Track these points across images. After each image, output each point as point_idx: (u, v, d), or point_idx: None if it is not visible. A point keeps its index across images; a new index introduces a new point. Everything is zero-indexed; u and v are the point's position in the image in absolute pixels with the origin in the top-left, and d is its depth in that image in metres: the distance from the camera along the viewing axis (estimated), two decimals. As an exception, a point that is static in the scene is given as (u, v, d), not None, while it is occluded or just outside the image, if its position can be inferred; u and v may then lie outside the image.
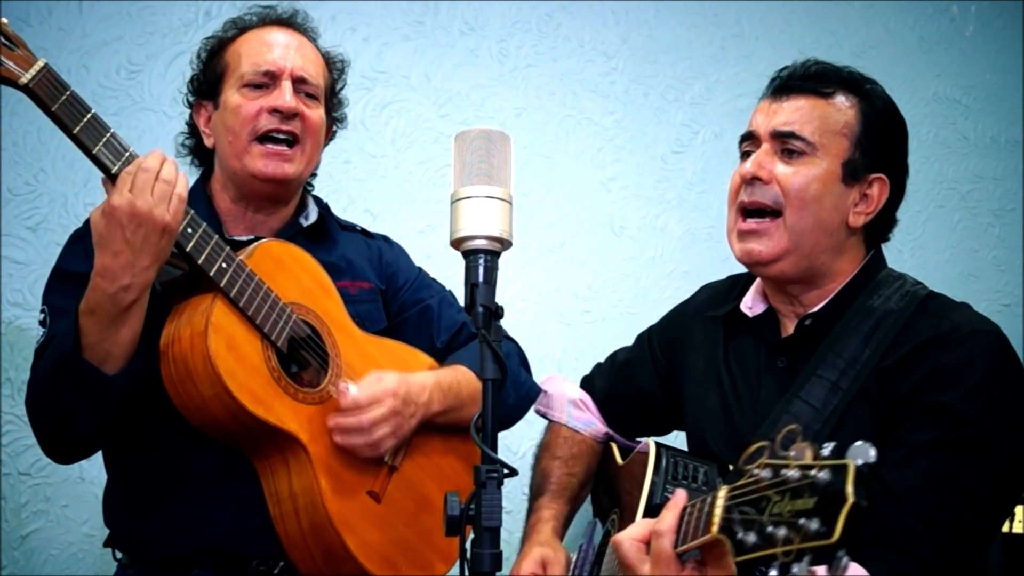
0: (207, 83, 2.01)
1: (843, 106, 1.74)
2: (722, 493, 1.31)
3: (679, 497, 1.45)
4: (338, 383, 1.87)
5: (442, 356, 2.11)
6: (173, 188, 1.69)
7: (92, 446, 1.89)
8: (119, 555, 1.94)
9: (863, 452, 1.16)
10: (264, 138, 1.92)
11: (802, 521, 1.15)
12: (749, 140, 1.80)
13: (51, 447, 1.86)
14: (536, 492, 2.06)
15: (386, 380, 1.88)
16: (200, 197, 1.99)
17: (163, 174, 1.69)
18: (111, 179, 1.69)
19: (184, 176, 1.73)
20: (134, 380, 1.74)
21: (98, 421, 1.77)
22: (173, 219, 1.68)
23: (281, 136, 1.93)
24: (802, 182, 1.71)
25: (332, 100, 2.09)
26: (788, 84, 1.78)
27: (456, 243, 1.42)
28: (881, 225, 1.80)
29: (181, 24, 2.81)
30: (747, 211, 1.76)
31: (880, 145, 1.75)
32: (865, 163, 1.73)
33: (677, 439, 2.00)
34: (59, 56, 2.68)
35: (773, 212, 1.73)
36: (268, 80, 1.94)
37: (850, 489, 1.13)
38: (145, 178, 1.67)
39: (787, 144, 1.73)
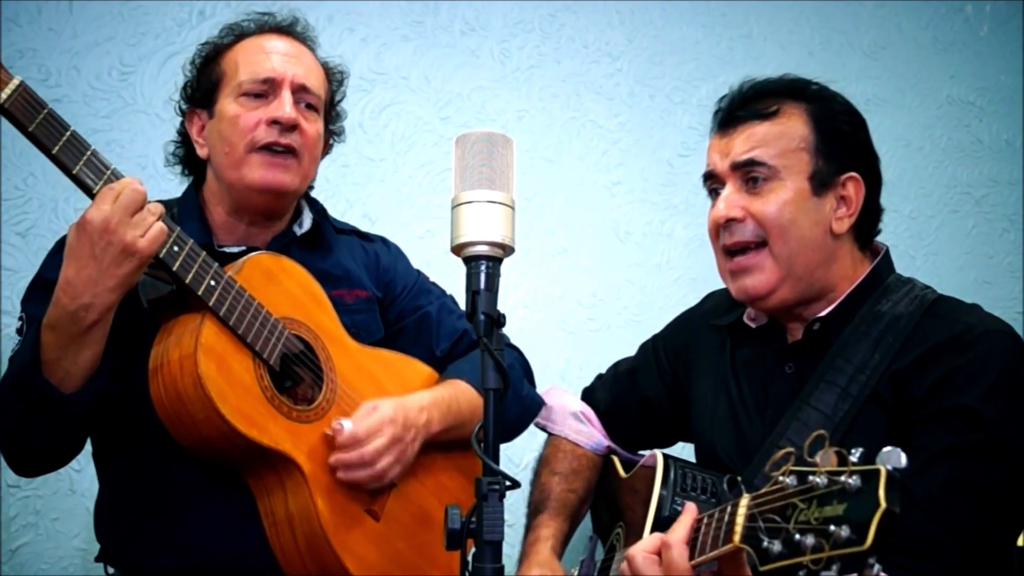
0: (201, 91, 1.97)
1: (792, 120, 1.73)
2: (744, 501, 1.30)
3: (690, 509, 1.46)
4: (331, 423, 1.83)
5: (442, 365, 2.08)
6: (155, 219, 1.65)
7: (55, 461, 1.85)
8: (111, 570, 1.91)
9: (894, 458, 1.15)
10: (262, 149, 1.89)
11: (832, 528, 1.14)
12: (711, 179, 1.80)
13: (9, 459, 1.82)
14: (535, 509, 2.04)
15: (381, 409, 1.85)
16: (192, 206, 1.96)
17: (148, 204, 1.65)
18: (92, 199, 1.66)
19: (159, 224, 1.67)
20: (94, 400, 1.71)
21: (55, 439, 1.74)
22: (147, 245, 1.64)
23: (279, 149, 1.89)
24: (775, 210, 1.70)
25: (331, 112, 2.06)
26: (732, 115, 1.77)
27: (457, 249, 1.40)
28: (867, 220, 1.78)
29: (174, 24, 2.78)
30: (732, 251, 1.76)
31: (840, 146, 1.74)
32: (831, 168, 1.72)
33: (684, 452, 1.96)
34: (49, 57, 2.66)
35: (757, 245, 1.73)
36: (267, 89, 1.91)
37: (882, 494, 1.12)
38: (129, 198, 1.63)
39: (750, 173, 1.72)
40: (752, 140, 1.72)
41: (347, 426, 1.80)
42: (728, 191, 1.74)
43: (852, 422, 1.64)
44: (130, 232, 1.62)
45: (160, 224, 1.65)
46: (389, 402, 1.86)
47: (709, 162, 1.80)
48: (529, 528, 2.00)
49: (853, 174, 1.73)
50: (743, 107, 1.76)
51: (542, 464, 2.09)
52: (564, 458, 2.06)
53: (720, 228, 1.76)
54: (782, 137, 1.72)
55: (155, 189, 1.69)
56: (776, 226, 1.70)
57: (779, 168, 1.70)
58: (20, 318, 1.84)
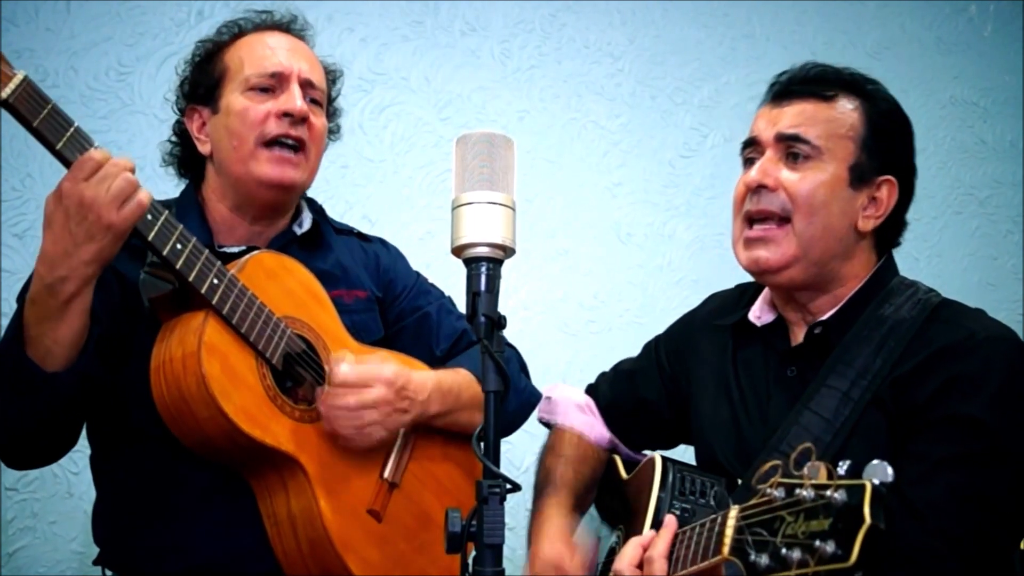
0: (203, 87, 1.95)
1: (847, 109, 1.74)
2: (733, 513, 1.31)
3: (670, 523, 1.50)
4: (330, 358, 1.83)
5: (441, 365, 2.07)
6: (133, 191, 1.62)
7: (46, 450, 1.82)
8: (109, 574, 1.89)
9: (881, 471, 1.15)
10: (271, 143, 1.88)
11: (817, 543, 1.15)
12: (751, 147, 1.79)
13: (1, 450, 1.80)
14: (540, 489, 2.02)
15: (384, 367, 1.84)
16: (192, 205, 1.94)
17: (126, 174, 1.61)
18: None
19: (147, 192, 1.65)
20: (78, 379, 1.68)
21: (41, 420, 1.71)
22: (121, 221, 1.61)
23: (289, 142, 1.88)
24: (809, 188, 1.70)
25: (329, 109, 2.06)
26: (789, 89, 1.77)
27: (457, 251, 1.39)
28: (891, 228, 1.79)
29: (172, 24, 2.78)
30: (753, 219, 1.75)
31: (886, 147, 1.74)
32: (872, 166, 1.72)
33: (685, 454, 1.95)
34: (46, 57, 2.65)
35: (781, 219, 1.72)
36: (275, 83, 1.90)
37: (867, 510, 1.13)
38: (106, 171, 1.60)
39: (792, 148, 1.72)
40: (803, 116, 1.72)
41: (344, 368, 1.80)
42: (766, 159, 1.74)
43: (853, 427, 1.63)
44: (106, 206, 1.59)
45: (139, 198, 1.61)
46: (395, 364, 1.86)
47: (754, 129, 1.79)
48: (534, 507, 1.98)
49: (890, 178, 1.74)
50: (801, 84, 1.77)
51: (547, 451, 2.08)
52: (569, 445, 2.05)
53: (748, 193, 1.75)
54: (832, 121, 1.72)
55: (153, 190, 1.67)
56: (805, 205, 1.70)
57: (822, 149, 1.70)
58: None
